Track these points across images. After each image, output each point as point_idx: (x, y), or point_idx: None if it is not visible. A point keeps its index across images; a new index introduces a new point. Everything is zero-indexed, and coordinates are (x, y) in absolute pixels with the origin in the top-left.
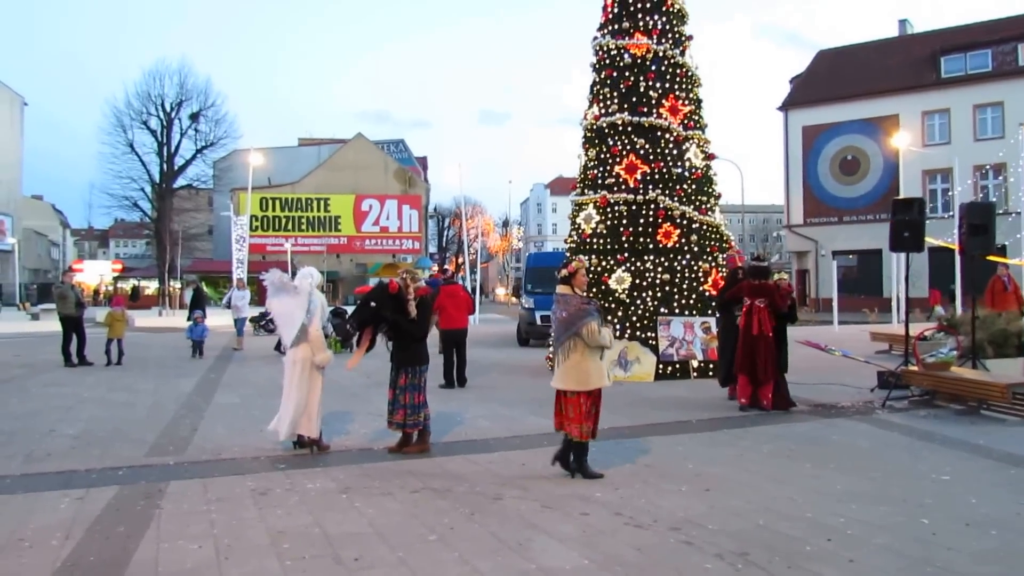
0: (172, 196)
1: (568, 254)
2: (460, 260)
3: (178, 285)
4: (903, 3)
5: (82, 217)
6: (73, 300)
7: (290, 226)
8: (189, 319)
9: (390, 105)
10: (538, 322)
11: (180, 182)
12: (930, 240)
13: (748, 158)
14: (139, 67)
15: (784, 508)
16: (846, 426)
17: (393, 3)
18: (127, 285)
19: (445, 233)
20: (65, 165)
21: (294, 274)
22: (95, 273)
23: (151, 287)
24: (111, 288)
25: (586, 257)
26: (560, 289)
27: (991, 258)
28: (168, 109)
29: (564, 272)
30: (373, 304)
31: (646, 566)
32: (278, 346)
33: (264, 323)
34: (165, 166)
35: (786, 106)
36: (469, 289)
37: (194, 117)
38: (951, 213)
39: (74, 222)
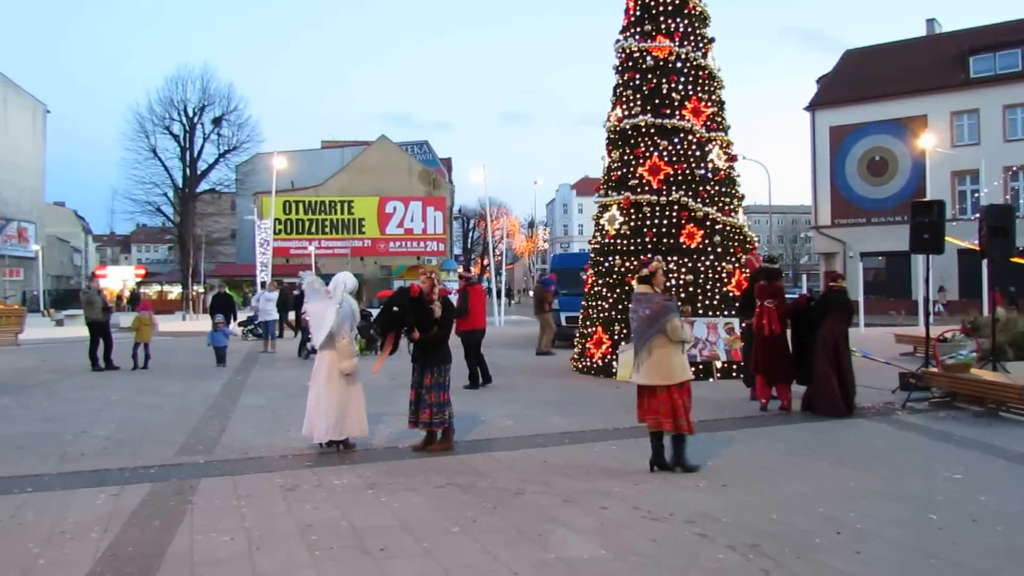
0: (195, 200)
1: (592, 255)
2: (485, 262)
3: (201, 289)
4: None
5: (104, 223)
6: (100, 305)
7: (314, 229)
8: (250, 323)
9: (412, 107)
10: (563, 323)
11: (203, 186)
12: (955, 242)
13: (775, 159)
14: (161, 73)
15: (798, 503)
16: (865, 426)
17: (414, 7)
18: (150, 290)
19: (470, 235)
20: (87, 171)
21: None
22: (118, 278)
23: (174, 292)
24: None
25: (614, 257)
26: (640, 288)
27: (1014, 260)
28: (191, 114)
29: (645, 272)
30: (396, 308)
31: (660, 556)
32: (301, 351)
33: (252, 327)
34: (188, 171)
35: (813, 106)
36: (492, 291)
37: (216, 121)
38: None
39: (96, 228)
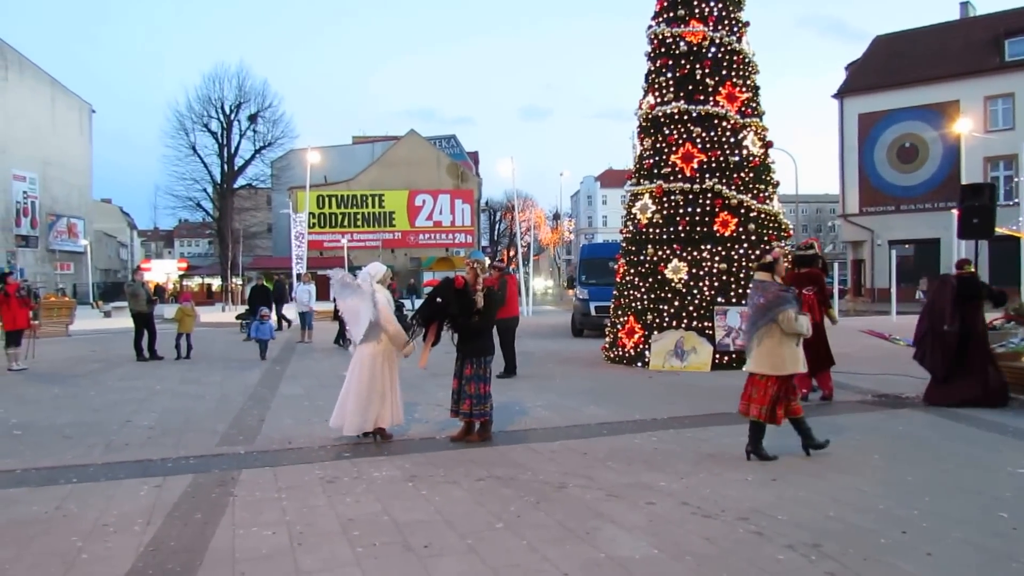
0: (233, 196)
1: (624, 244)
2: (512, 253)
3: (239, 282)
4: None
5: (148, 218)
6: (144, 297)
7: (346, 222)
8: (249, 316)
9: (435, 103)
10: (593, 313)
11: (240, 182)
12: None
13: (797, 148)
14: (199, 72)
15: (853, 499)
16: (912, 417)
17: (435, 9)
18: (192, 283)
19: (497, 226)
20: (131, 169)
21: (352, 270)
22: (162, 272)
23: (215, 284)
24: (173, 287)
25: (646, 246)
26: (759, 276)
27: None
28: (228, 111)
29: (768, 259)
30: (439, 300)
31: (717, 557)
32: (338, 339)
33: (249, 322)
34: (226, 167)
35: (841, 93)
36: (520, 282)
37: (252, 118)
38: (1016, 200)
39: (140, 223)
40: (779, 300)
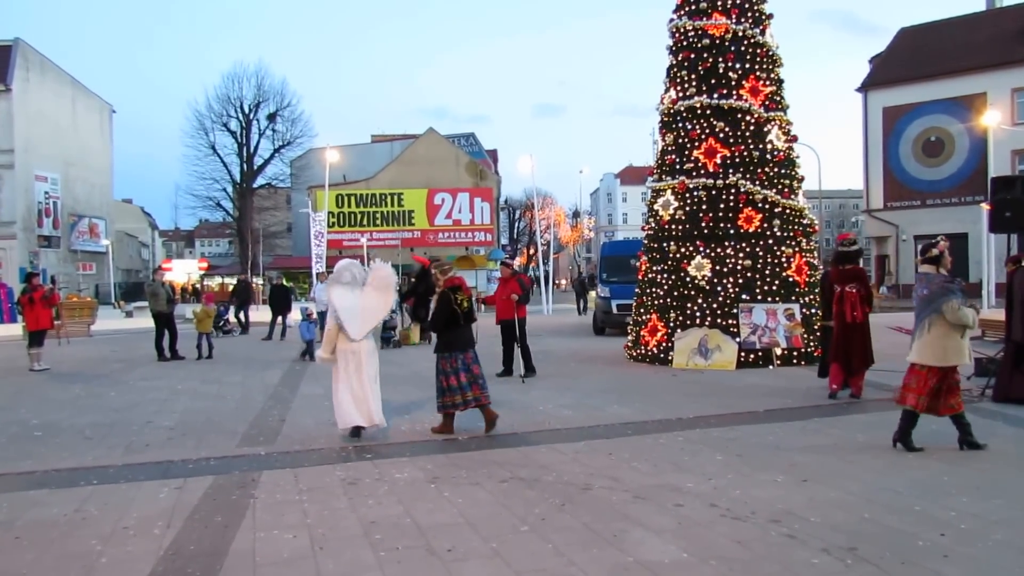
0: (252, 195)
1: (646, 241)
2: (532, 251)
3: (260, 281)
4: None
5: (168, 218)
6: (164, 297)
7: (365, 221)
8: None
9: (447, 101)
10: (615, 311)
11: (259, 181)
12: None
13: (817, 141)
14: (218, 71)
15: (889, 500)
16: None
17: (448, 12)
18: (212, 283)
19: (516, 224)
20: (152, 169)
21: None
22: (183, 272)
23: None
24: (193, 287)
25: (669, 243)
26: (923, 268)
27: None
28: (247, 111)
29: (934, 252)
30: (413, 280)
31: (750, 561)
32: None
33: (221, 324)
34: (245, 166)
35: (865, 87)
36: (540, 279)
37: (271, 117)
38: None
39: (161, 223)
40: (943, 291)
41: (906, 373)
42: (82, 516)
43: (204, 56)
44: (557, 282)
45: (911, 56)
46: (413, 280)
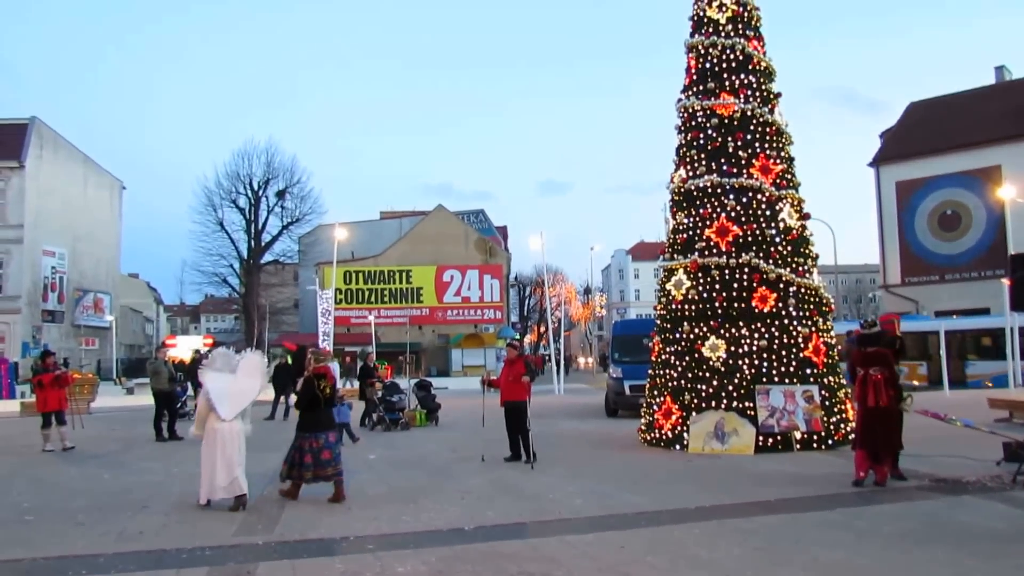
0: (259, 272)
1: (658, 321)
2: (543, 329)
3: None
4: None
5: (174, 293)
6: (167, 375)
7: (373, 298)
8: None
9: (450, 177)
10: (627, 392)
11: (267, 258)
12: None
13: (829, 216)
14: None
15: None
16: (976, 505)
17: (438, 90)
18: None
19: (527, 301)
20: (159, 244)
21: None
22: (187, 348)
23: None
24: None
25: (682, 323)
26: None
27: None
28: (256, 187)
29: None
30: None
31: None
32: (363, 419)
33: (179, 406)
34: (253, 242)
35: (877, 162)
36: (552, 359)
37: (280, 194)
38: None
39: (167, 298)
40: None
41: None
42: None
43: (215, 133)
44: (575, 360)
45: (922, 130)
46: (286, 363)
